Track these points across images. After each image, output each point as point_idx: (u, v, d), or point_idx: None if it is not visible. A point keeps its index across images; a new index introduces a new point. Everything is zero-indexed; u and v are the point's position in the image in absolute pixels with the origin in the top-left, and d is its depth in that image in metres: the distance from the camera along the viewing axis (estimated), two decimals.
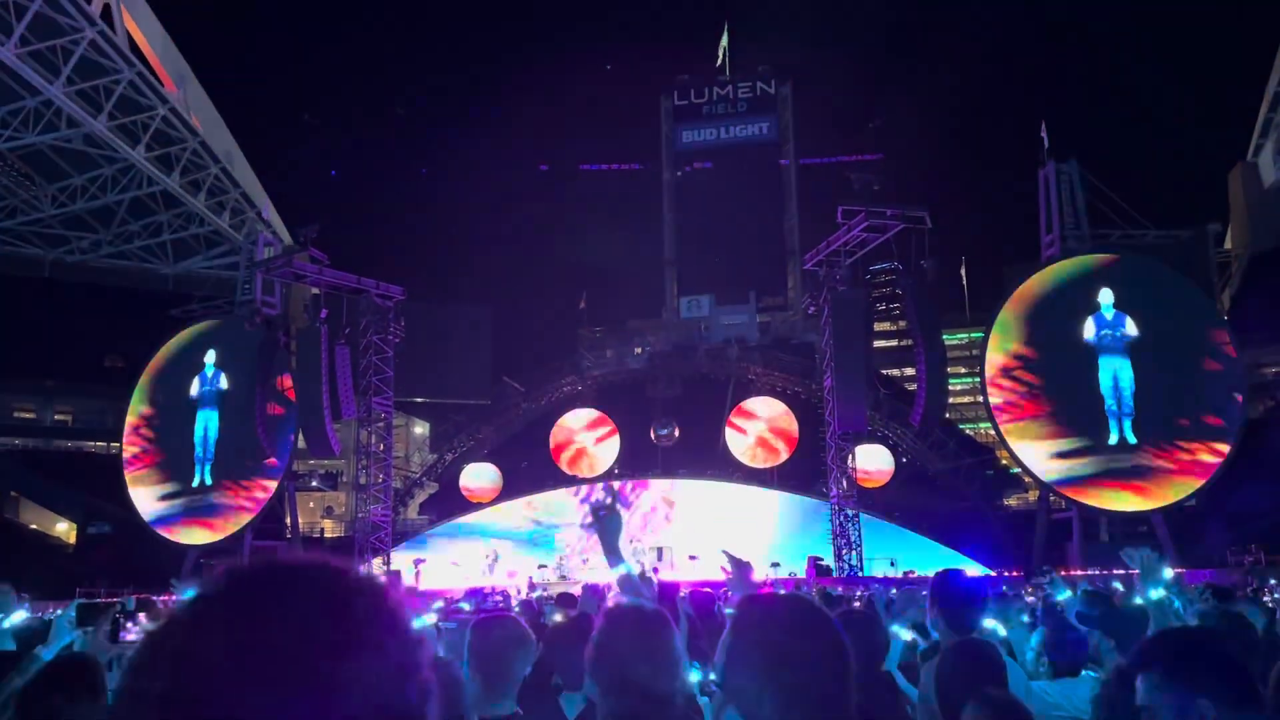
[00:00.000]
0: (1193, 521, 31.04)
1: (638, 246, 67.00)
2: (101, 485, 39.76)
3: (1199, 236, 39.07)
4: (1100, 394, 31.05)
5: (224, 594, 0.94)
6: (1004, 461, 40.55)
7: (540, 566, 34.84)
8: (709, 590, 13.13)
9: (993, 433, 34.59)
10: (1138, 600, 5.36)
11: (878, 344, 61.14)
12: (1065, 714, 4.30)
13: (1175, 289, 31.56)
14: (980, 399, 34.70)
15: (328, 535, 46.24)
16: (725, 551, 3.62)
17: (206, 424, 36.88)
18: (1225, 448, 29.79)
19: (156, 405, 38.38)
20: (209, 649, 0.87)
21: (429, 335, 48.63)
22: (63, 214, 48.74)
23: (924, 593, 5.34)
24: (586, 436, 43.08)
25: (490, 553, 37.59)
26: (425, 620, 5.26)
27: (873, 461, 38.62)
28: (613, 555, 3.51)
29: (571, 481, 41.57)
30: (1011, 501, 42.53)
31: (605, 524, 3.54)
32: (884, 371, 51.39)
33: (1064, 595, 7.37)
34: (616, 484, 39.80)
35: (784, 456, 41.33)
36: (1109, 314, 31.33)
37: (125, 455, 38.18)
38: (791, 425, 41.37)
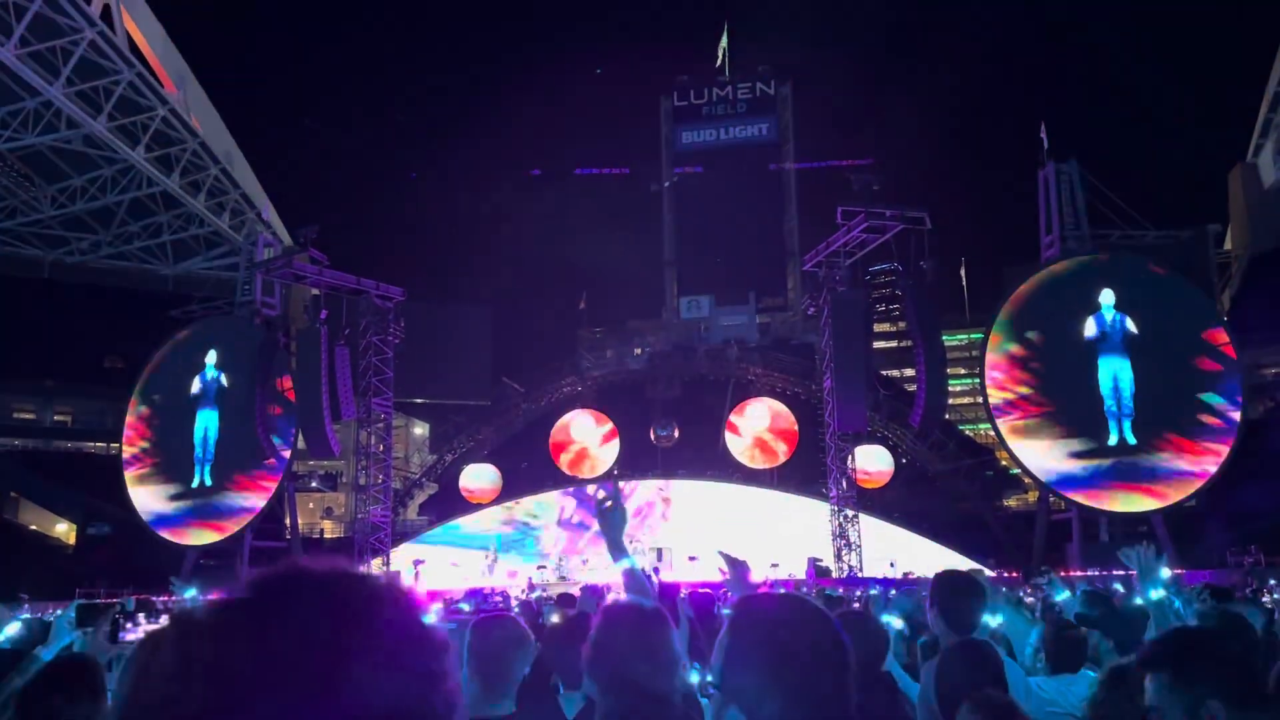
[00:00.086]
0: (1192, 522, 31.04)
1: (637, 247, 67.07)
2: (101, 486, 39.76)
3: (1199, 237, 39.11)
4: (1100, 395, 31.07)
5: (251, 603, 0.94)
6: (1003, 462, 40.57)
7: (540, 567, 34.84)
8: (708, 591, 13.14)
9: (992, 433, 34.60)
10: (1138, 601, 5.37)
11: (877, 345, 61.25)
12: (1058, 710, 4.31)
13: (1175, 290, 31.56)
14: (980, 399, 34.72)
15: (327, 536, 46.25)
16: (721, 552, 3.62)
17: (206, 425, 36.87)
18: (1224, 448, 29.80)
19: (156, 406, 38.37)
20: (236, 658, 0.87)
21: (429, 336, 48.64)
22: (62, 215, 48.74)
23: (923, 593, 5.34)
24: (586, 437, 43.07)
25: (490, 553, 37.61)
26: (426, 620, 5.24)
27: (872, 462, 38.63)
28: (617, 550, 3.50)
29: (571, 482, 41.57)
30: (1011, 502, 42.54)
31: (609, 519, 3.53)
32: (884, 372, 51.42)
33: (1062, 596, 7.37)
34: (621, 483, 39.84)
35: (784, 457, 41.33)
36: (1110, 314, 31.33)
37: (125, 456, 38.16)
38: (791, 426, 41.37)
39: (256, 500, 35.49)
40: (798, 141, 66.11)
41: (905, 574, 30.40)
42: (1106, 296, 31.41)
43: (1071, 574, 24.93)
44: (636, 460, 42.15)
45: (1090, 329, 31.44)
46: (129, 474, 37.83)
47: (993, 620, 6.28)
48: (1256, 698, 2.25)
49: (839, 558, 32.78)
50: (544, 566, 35.05)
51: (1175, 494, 30.29)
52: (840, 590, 20.01)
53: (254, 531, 35.28)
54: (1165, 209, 57.63)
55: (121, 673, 2.17)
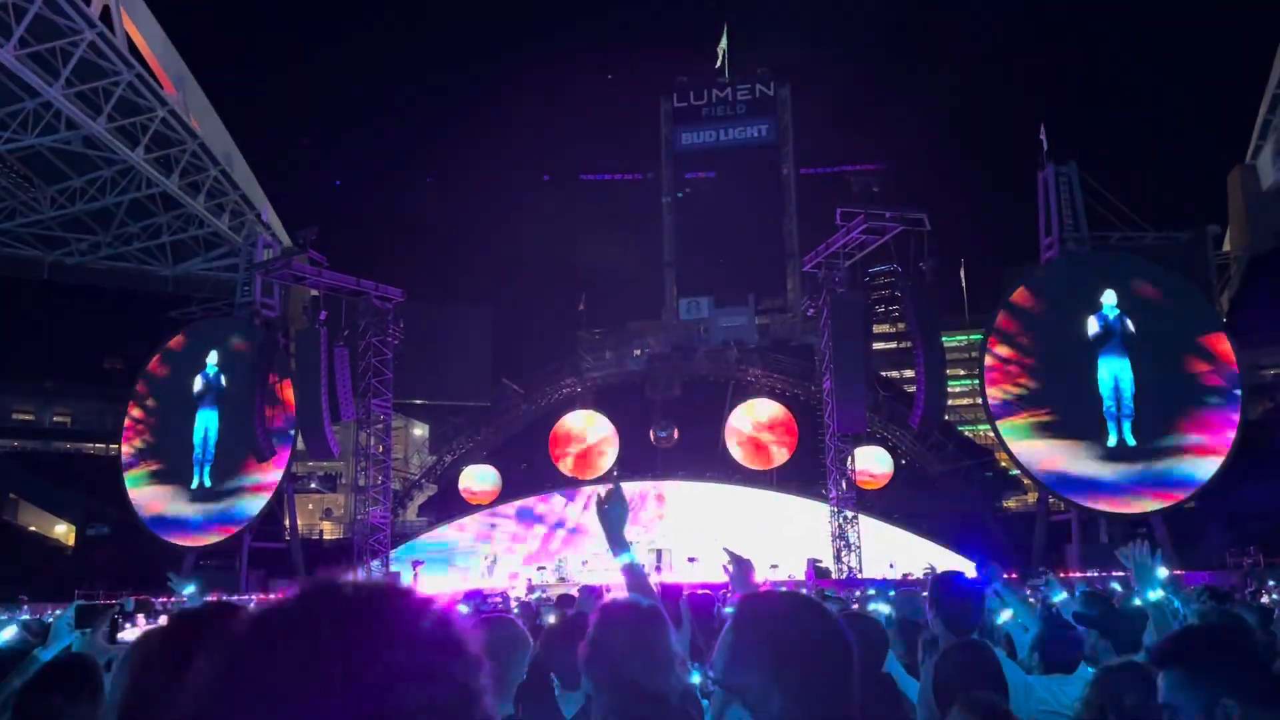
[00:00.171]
0: (1192, 523, 31.04)
1: (637, 248, 67.06)
2: (100, 487, 39.76)
3: (1198, 238, 39.09)
4: (1099, 395, 31.08)
5: (291, 616, 0.96)
6: (1003, 463, 40.59)
7: (539, 568, 34.84)
8: (707, 592, 13.14)
9: (992, 434, 34.61)
10: (1137, 601, 5.37)
11: (877, 346, 61.24)
12: (1047, 709, 4.31)
13: (1174, 291, 31.59)
14: (979, 401, 34.73)
15: (326, 537, 46.24)
16: (727, 549, 3.62)
17: (206, 426, 36.87)
18: (1224, 449, 29.82)
19: (156, 406, 38.36)
20: (276, 674, 0.89)
21: (428, 337, 48.60)
22: (62, 216, 48.73)
23: (923, 594, 5.35)
24: (586, 438, 43.06)
25: (490, 554, 37.62)
26: None
27: (872, 463, 38.64)
28: (617, 545, 3.49)
29: (571, 483, 41.56)
30: (1010, 503, 42.55)
31: (609, 514, 3.53)
32: (883, 373, 51.42)
33: (1059, 597, 7.39)
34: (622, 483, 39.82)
35: (783, 459, 41.34)
36: (1111, 314, 31.35)
37: (124, 457, 38.15)
38: (790, 427, 41.37)
39: (256, 501, 35.49)
40: (797, 143, 66.11)
41: (905, 575, 30.41)
42: (1108, 297, 31.43)
43: (1071, 575, 24.93)
44: (636, 461, 42.13)
45: (1092, 328, 31.45)
46: (128, 475, 37.81)
47: (1004, 614, 6.42)
48: (1272, 695, 2.23)
49: (838, 559, 32.79)
50: (543, 568, 35.04)
51: (1174, 495, 30.33)
52: (840, 593, 19.99)
53: (253, 532, 35.28)
54: (1164, 210, 57.60)
55: (118, 670, 2.16)
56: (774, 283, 63.04)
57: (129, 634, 5.77)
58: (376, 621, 0.94)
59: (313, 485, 49.84)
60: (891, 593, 12.17)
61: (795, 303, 58.14)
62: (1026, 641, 5.32)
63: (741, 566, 3.50)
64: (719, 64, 69.50)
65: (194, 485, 36.35)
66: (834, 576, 31.17)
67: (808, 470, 37.92)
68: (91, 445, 49.05)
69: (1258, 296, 40.86)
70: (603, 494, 3.56)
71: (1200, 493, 30.20)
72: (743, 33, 71.70)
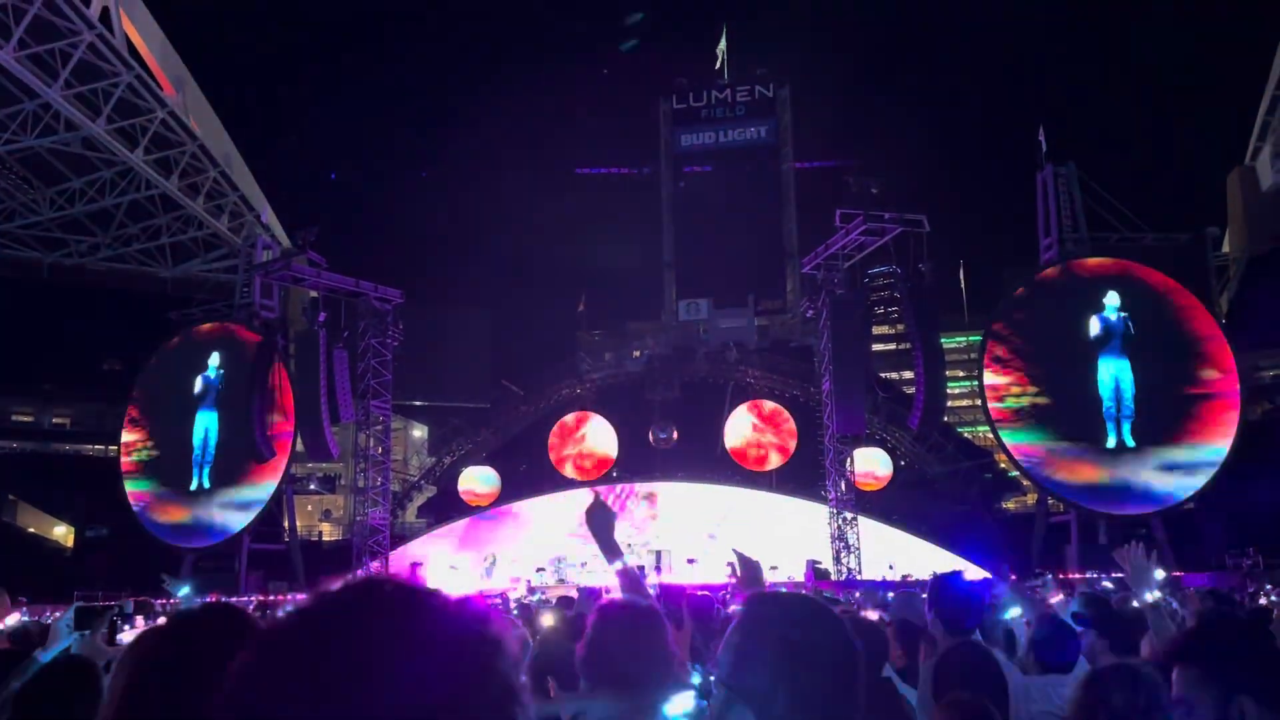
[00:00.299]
0: (1191, 524, 31.07)
1: (636, 249, 67.08)
2: (99, 488, 39.73)
3: (1197, 240, 39.07)
4: (1099, 396, 31.09)
5: (336, 613, 0.96)
6: (1002, 465, 40.60)
7: (538, 570, 34.81)
8: (707, 594, 13.14)
9: (991, 436, 34.61)
10: (1135, 603, 5.38)
11: (876, 347, 61.28)
12: (1039, 708, 4.32)
13: (1174, 292, 31.62)
14: (978, 402, 34.73)
15: (326, 539, 46.22)
16: (736, 550, 3.63)
17: (206, 427, 36.85)
18: (1223, 450, 29.83)
19: (155, 408, 38.34)
20: (322, 671, 0.89)
21: (428, 338, 48.63)
22: (61, 217, 48.71)
23: (923, 595, 5.36)
24: (585, 440, 43.03)
25: (489, 555, 37.58)
26: None
27: (871, 465, 38.62)
28: (610, 552, 3.50)
29: (570, 485, 41.53)
30: (1010, 505, 42.57)
31: (596, 523, 3.54)
32: (882, 375, 51.42)
33: (1056, 599, 7.45)
34: (602, 488, 39.85)
35: (782, 460, 41.33)
36: (1113, 315, 31.36)
37: (123, 458, 38.12)
38: (790, 429, 41.36)
39: (255, 502, 35.46)
40: (796, 144, 66.15)
41: (904, 576, 30.41)
42: (1111, 298, 31.45)
43: (1070, 576, 24.93)
44: (635, 462, 42.14)
45: (1094, 328, 31.46)
46: (127, 476, 37.78)
47: (1012, 611, 6.61)
48: None
49: (838, 560, 32.79)
50: (542, 569, 35.02)
51: (1173, 497, 30.34)
52: (839, 595, 19.99)
53: (252, 534, 35.26)
54: (1164, 211, 57.68)
55: (115, 671, 2.15)
56: (773, 284, 63.04)
57: (128, 636, 5.77)
58: (420, 618, 0.95)
59: (312, 487, 49.81)
60: (879, 595, 12.19)
61: (794, 304, 58.14)
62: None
63: (751, 569, 3.51)
64: (718, 65, 69.51)
65: (193, 487, 36.33)
66: (833, 578, 31.16)
67: (807, 471, 37.92)
68: (91, 447, 49.02)
69: (1257, 298, 40.85)
70: (587, 507, 3.58)
71: (1199, 494, 30.21)
72: (742, 34, 71.71)
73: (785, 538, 34.49)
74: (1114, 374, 31.07)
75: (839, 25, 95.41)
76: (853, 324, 32.75)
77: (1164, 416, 30.63)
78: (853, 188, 60.80)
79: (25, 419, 51.06)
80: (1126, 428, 30.71)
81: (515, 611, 11.37)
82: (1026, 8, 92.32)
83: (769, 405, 42.36)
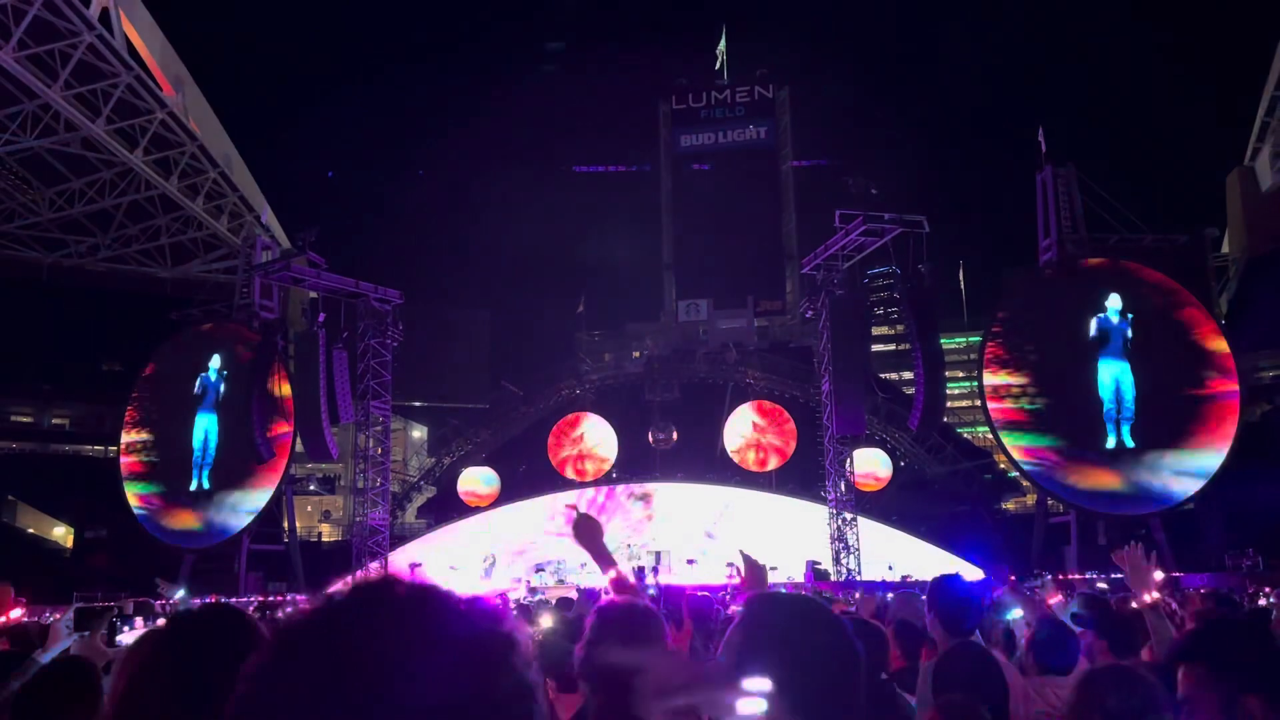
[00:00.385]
0: (1190, 525, 31.07)
1: (636, 250, 67.09)
2: (99, 489, 39.73)
3: (1196, 241, 39.12)
4: (1099, 398, 31.09)
5: (349, 613, 0.97)
6: (1002, 465, 40.60)
7: (538, 570, 34.80)
8: (706, 595, 13.14)
9: (990, 437, 34.61)
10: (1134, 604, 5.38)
11: (875, 348, 61.31)
12: (1038, 710, 4.32)
13: (1173, 293, 31.63)
14: (978, 403, 34.75)
15: (325, 539, 46.22)
16: (743, 552, 3.64)
17: (206, 428, 36.86)
18: (1222, 451, 29.84)
19: (154, 409, 38.34)
20: (338, 671, 0.90)
21: (427, 339, 48.64)
22: (60, 218, 48.69)
23: (922, 597, 5.36)
24: (585, 440, 43.04)
25: (488, 556, 37.58)
26: None
27: (871, 465, 38.64)
28: (602, 561, 3.50)
29: (570, 485, 41.55)
30: (1009, 505, 42.58)
31: (584, 534, 3.54)
32: (882, 375, 51.43)
33: (1055, 599, 7.47)
34: (617, 484, 39.87)
35: (782, 460, 41.33)
36: (1114, 318, 31.36)
37: (123, 459, 38.11)
38: (789, 429, 41.37)
39: (254, 504, 35.46)
40: (796, 145, 66.19)
41: (904, 577, 30.41)
42: (1113, 301, 31.45)
43: (1071, 577, 24.94)
44: (635, 463, 42.16)
45: (1093, 330, 31.47)
46: (126, 477, 37.76)
47: (1014, 612, 6.67)
48: None
49: (837, 561, 32.79)
50: (541, 569, 35.02)
51: (1172, 497, 30.35)
52: (839, 595, 19.99)
53: (251, 535, 35.25)
54: (1163, 212, 57.68)
55: (116, 672, 2.15)
56: (773, 285, 63.04)
57: (127, 637, 5.78)
58: (434, 617, 0.95)
59: (311, 487, 49.80)
60: (878, 596, 12.18)
61: (794, 305, 58.16)
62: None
63: (757, 571, 3.51)
64: (718, 66, 69.56)
65: (192, 488, 36.33)
66: (833, 579, 31.17)
67: (806, 472, 37.94)
68: (90, 447, 49.03)
69: (1256, 299, 40.86)
70: (572, 522, 3.58)
71: (1199, 495, 30.22)
72: (741, 35, 71.74)
73: (785, 538, 34.48)
74: (1115, 376, 31.08)
75: (838, 26, 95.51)
76: (852, 325, 32.76)
77: (1164, 418, 30.63)
78: (852, 188, 60.76)
79: (25, 419, 51.08)
80: (1126, 429, 30.72)
81: (515, 613, 11.35)
82: (1026, 8, 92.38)
83: (769, 406, 42.39)
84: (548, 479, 42.12)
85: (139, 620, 6.15)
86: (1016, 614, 6.84)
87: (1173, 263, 33.12)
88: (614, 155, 75.16)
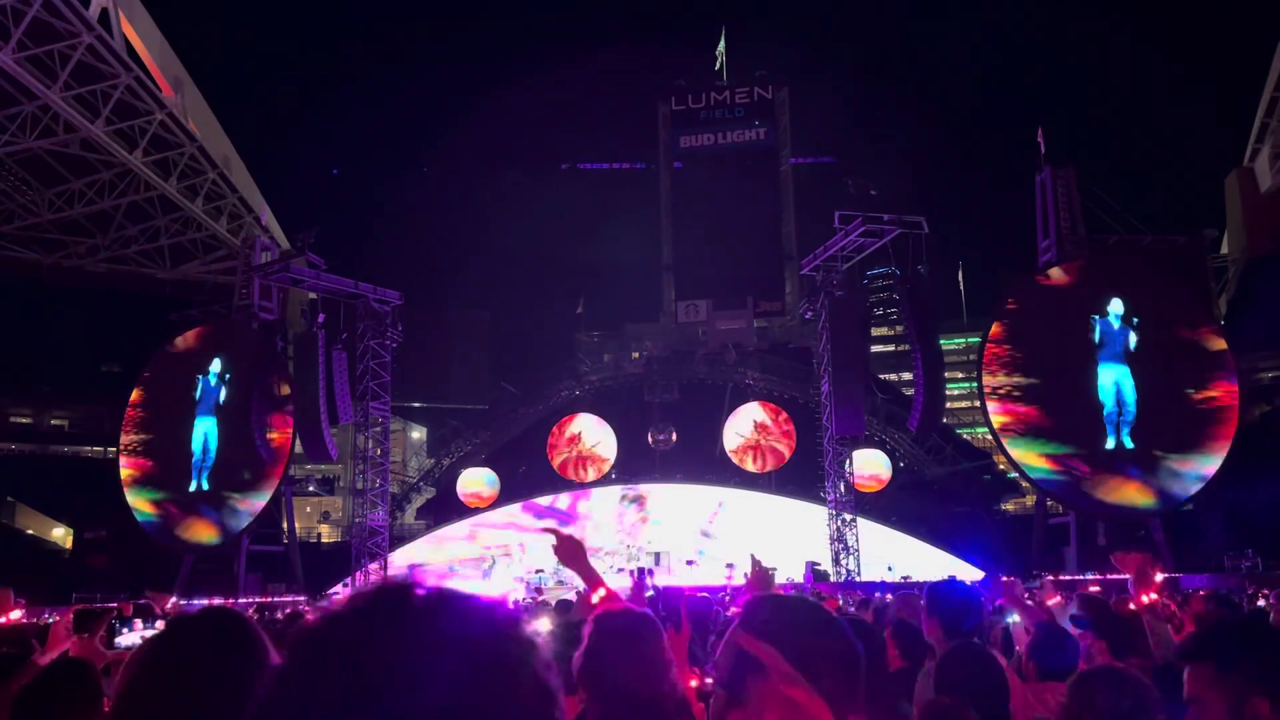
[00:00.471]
0: (1190, 525, 31.07)
1: (635, 251, 67.08)
2: (98, 490, 39.71)
3: (1196, 241, 39.13)
4: (1099, 400, 31.08)
5: (369, 616, 0.97)
6: (1001, 466, 40.60)
7: (537, 571, 34.78)
8: (705, 596, 13.14)
9: (990, 438, 34.60)
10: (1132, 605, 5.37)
11: (875, 349, 61.28)
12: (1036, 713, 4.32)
13: (1173, 295, 31.64)
14: (977, 404, 34.75)
15: (324, 540, 46.21)
16: (754, 556, 3.65)
17: (206, 430, 36.84)
18: (1222, 452, 29.84)
19: (154, 410, 38.33)
20: (360, 675, 0.90)
21: (426, 340, 48.62)
22: (60, 219, 48.67)
23: (922, 600, 5.35)
24: (584, 441, 43.03)
25: (488, 557, 37.58)
26: None
27: (870, 466, 38.66)
28: (589, 581, 3.51)
29: (569, 486, 41.56)
30: (1009, 506, 42.58)
31: (567, 554, 3.56)
32: (881, 376, 51.45)
33: (1054, 600, 7.47)
34: (615, 485, 39.82)
35: (781, 461, 41.33)
36: (1116, 323, 31.34)
37: (122, 460, 38.10)
38: (789, 430, 41.37)
39: (254, 505, 35.45)
40: (795, 146, 66.20)
41: (904, 578, 30.43)
42: (1115, 305, 31.42)
43: (1072, 577, 24.92)
44: (634, 464, 42.15)
45: (1094, 332, 31.46)
46: (126, 478, 37.75)
47: (1014, 616, 6.68)
48: None
49: (837, 561, 32.80)
50: (541, 570, 35.02)
51: (1172, 498, 30.35)
52: (837, 596, 19.97)
53: (251, 536, 35.23)
54: (1162, 213, 57.72)
55: (121, 673, 2.15)
56: (772, 285, 63.01)
57: (126, 638, 5.77)
58: (454, 620, 0.95)
59: (311, 488, 49.76)
60: (876, 597, 12.19)
61: (793, 305, 58.16)
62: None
63: (763, 574, 3.53)
64: (717, 67, 69.55)
65: (191, 489, 36.31)
66: (832, 579, 31.18)
67: (806, 473, 37.94)
68: (89, 449, 49.00)
69: (1255, 299, 40.85)
70: (554, 546, 3.59)
71: (1198, 496, 30.22)
72: (741, 36, 71.76)
73: (784, 539, 34.51)
74: (1115, 379, 31.06)
75: (838, 26, 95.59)
76: (852, 325, 32.77)
77: (1163, 419, 30.63)
78: (851, 189, 60.79)
79: (24, 421, 51.06)
80: (1126, 432, 30.73)
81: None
82: (1026, 8, 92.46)
83: (768, 406, 42.40)
84: (547, 480, 42.13)
85: (138, 622, 6.14)
86: (1016, 618, 6.87)
87: (1172, 263, 33.13)
88: (614, 155, 75.26)
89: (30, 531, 46.35)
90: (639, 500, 39.54)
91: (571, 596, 10.25)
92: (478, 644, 0.94)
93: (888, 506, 37.79)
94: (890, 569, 32.16)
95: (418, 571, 34.25)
